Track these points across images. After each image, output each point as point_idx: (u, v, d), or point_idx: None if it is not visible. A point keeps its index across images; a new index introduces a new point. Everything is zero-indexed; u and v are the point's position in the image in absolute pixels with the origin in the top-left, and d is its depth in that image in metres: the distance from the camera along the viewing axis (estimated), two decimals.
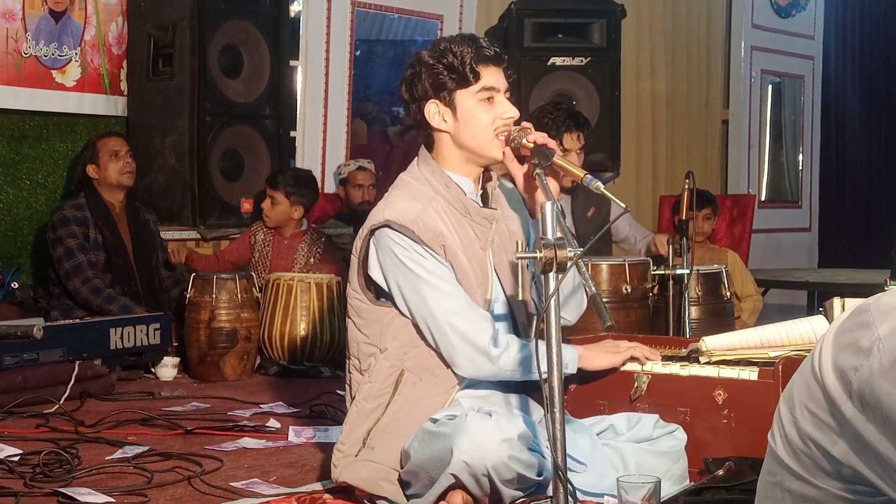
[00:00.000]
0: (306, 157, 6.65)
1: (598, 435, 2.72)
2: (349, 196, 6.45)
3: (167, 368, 4.78)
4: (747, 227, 6.88)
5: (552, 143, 2.59)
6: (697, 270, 4.26)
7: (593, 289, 2.06)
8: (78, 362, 4.21)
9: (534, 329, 2.31)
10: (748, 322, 5.34)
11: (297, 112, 6.62)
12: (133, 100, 5.75)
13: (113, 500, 2.73)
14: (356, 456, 2.63)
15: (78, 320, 4.59)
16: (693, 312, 4.21)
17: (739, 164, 9.32)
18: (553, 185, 2.57)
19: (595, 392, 2.94)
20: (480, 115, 2.63)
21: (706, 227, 5.66)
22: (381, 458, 2.58)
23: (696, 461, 2.71)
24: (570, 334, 3.24)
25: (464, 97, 2.63)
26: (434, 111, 2.65)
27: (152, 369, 4.79)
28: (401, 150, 7.58)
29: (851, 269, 7.34)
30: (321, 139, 6.77)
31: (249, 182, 5.85)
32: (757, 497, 1.39)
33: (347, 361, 2.75)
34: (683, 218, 4.20)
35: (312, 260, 5.46)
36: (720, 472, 2.58)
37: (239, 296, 4.82)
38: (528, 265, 2.10)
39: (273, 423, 3.69)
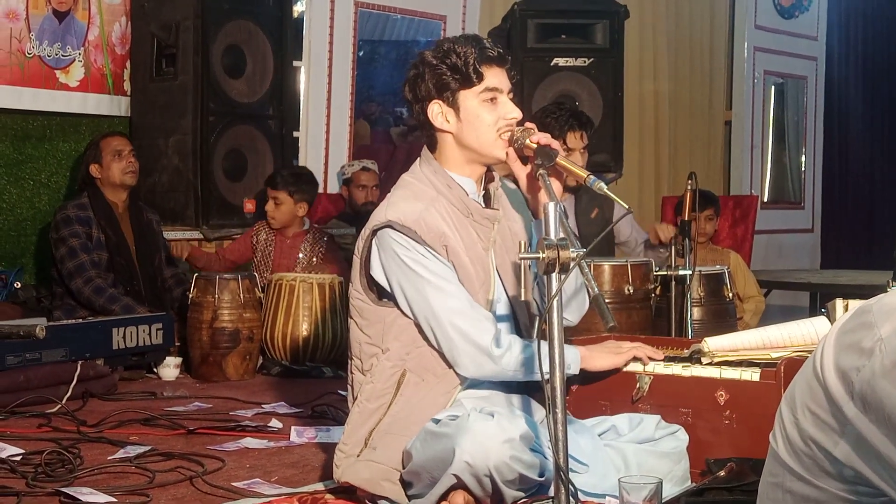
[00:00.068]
0: (309, 158, 6.66)
1: (599, 435, 2.72)
2: (353, 196, 6.45)
3: (169, 368, 4.78)
4: (750, 227, 6.88)
5: (555, 144, 2.60)
6: (700, 271, 4.26)
7: (596, 289, 2.06)
8: (80, 362, 4.21)
9: (536, 329, 2.30)
10: (750, 323, 5.34)
11: (301, 112, 6.63)
12: (136, 100, 5.75)
13: (115, 499, 2.73)
14: (358, 456, 2.63)
15: (80, 320, 4.59)
16: (695, 313, 4.21)
17: (742, 165, 9.32)
18: (556, 185, 2.58)
19: (597, 393, 2.94)
20: (484, 116, 2.63)
21: (708, 228, 5.65)
22: (382, 459, 2.58)
23: (697, 462, 2.71)
24: (573, 335, 3.24)
25: (467, 98, 2.63)
26: (437, 111, 2.65)
27: (154, 369, 4.80)
28: (404, 150, 7.58)
29: (854, 271, 7.34)
30: (324, 139, 6.77)
31: (252, 182, 5.85)
32: (758, 498, 1.39)
33: (349, 362, 2.76)
34: (686, 219, 4.20)
35: (315, 260, 5.46)
36: (722, 473, 2.58)
37: (241, 296, 4.83)
38: (530, 266, 2.10)
39: (275, 424, 3.69)
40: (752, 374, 2.73)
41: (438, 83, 2.63)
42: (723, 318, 4.33)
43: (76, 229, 4.94)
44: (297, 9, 6.66)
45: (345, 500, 2.72)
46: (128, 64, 5.76)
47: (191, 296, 4.82)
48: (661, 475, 2.29)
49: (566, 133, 4.58)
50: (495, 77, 2.63)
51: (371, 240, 2.64)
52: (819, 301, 6.24)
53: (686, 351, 3.01)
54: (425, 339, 2.62)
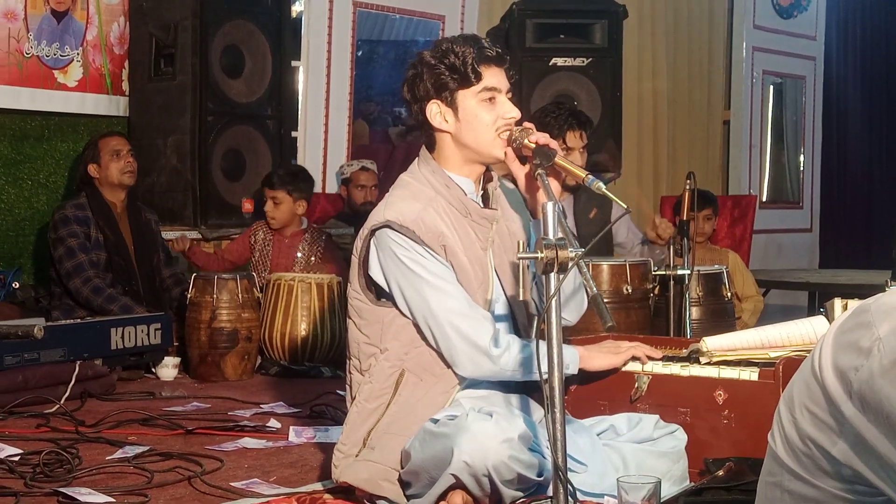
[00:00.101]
0: (308, 157, 6.66)
1: (598, 435, 2.72)
2: (351, 196, 6.45)
3: (168, 368, 4.78)
4: (748, 227, 6.88)
5: (554, 144, 2.59)
6: (698, 271, 4.26)
7: (594, 289, 2.06)
8: (78, 362, 4.21)
9: (534, 329, 2.31)
10: (749, 322, 5.34)
11: (299, 112, 6.63)
12: (135, 100, 5.75)
13: (113, 500, 2.73)
14: (357, 456, 2.63)
15: (79, 320, 4.59)
16: (694, 313, 4.21)
17: (740, 165, 9.32)
18: (555, 185, 2.58)
19: (596, 392, 2.94)
20: (482, 116, 2.63)
21: (707, 228, 5.65)
22: (381, 459, 2.58)
23: (696, 461, 2.71)
24: (571, 334, 3.24)
25: (465, 97, 2.63)
26: (436, 111, 2.65)
27: (153, 369, 4.80)
28: (402, 150, 7.57)
29: (852, 270, 7.34)
30: (322, 139, 6.77)
31: (251, 182, 5.85)
32: (757, 497, 1.39)
33: (348, 362, 2.76)
34: (684, 218, 4.20)
35: (313, 259, 5.46)
36: (720, 473, 2.58)
37: (240, 296, 4.82)
38: (529, 265, 2.10)
39: (273, 424, 3.69)
40: (751, 374, 2.73)
41: (437, 83, 2.63)
42: (721, 317, 4.33)
43: (74, 229, 4.93)
44: (296, 9, 6.66)
45: (343, 500, 2.72)
46: (126, 64, 5.76)
47: (189, 296, 4.82)
48: (659, 475, 2.29)
49: (565, 132, 4.57)
50: (494, 77, 2.63)
51: (369, 240, 2.64)
52: (817, 301, 6.24)
53: (685, 350, 3.01)
54: (424, 339, 2.62)
